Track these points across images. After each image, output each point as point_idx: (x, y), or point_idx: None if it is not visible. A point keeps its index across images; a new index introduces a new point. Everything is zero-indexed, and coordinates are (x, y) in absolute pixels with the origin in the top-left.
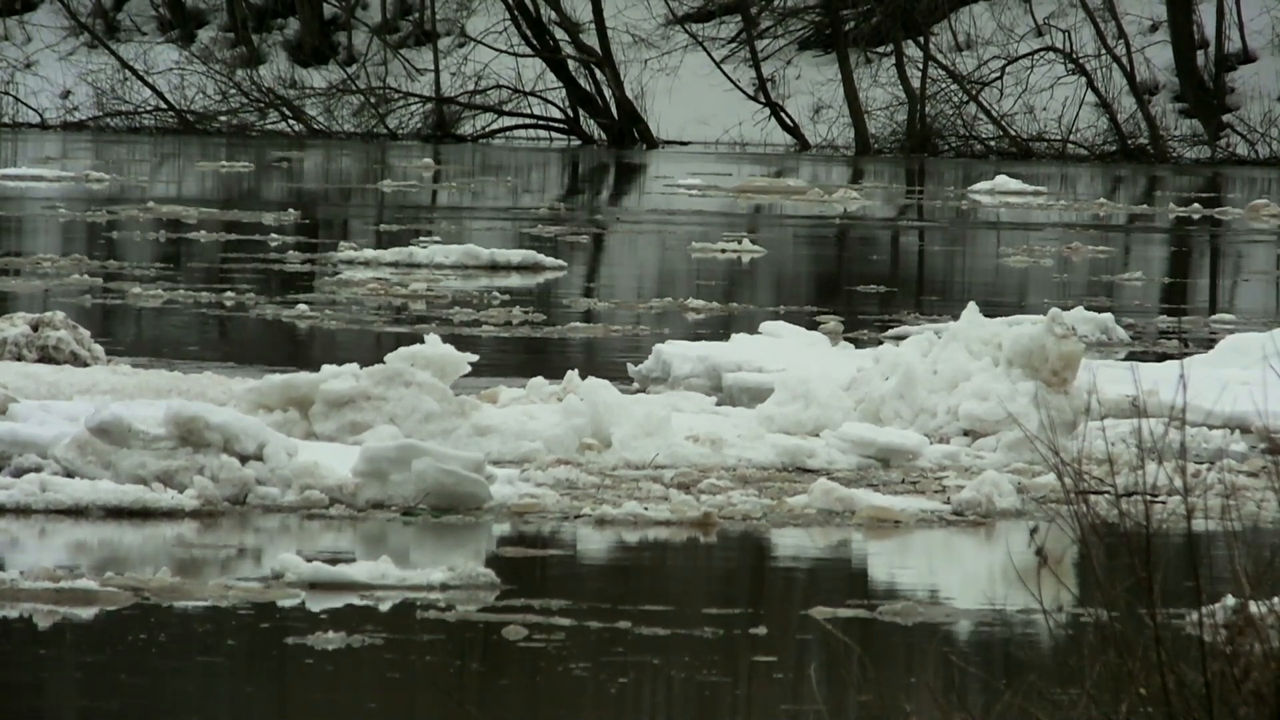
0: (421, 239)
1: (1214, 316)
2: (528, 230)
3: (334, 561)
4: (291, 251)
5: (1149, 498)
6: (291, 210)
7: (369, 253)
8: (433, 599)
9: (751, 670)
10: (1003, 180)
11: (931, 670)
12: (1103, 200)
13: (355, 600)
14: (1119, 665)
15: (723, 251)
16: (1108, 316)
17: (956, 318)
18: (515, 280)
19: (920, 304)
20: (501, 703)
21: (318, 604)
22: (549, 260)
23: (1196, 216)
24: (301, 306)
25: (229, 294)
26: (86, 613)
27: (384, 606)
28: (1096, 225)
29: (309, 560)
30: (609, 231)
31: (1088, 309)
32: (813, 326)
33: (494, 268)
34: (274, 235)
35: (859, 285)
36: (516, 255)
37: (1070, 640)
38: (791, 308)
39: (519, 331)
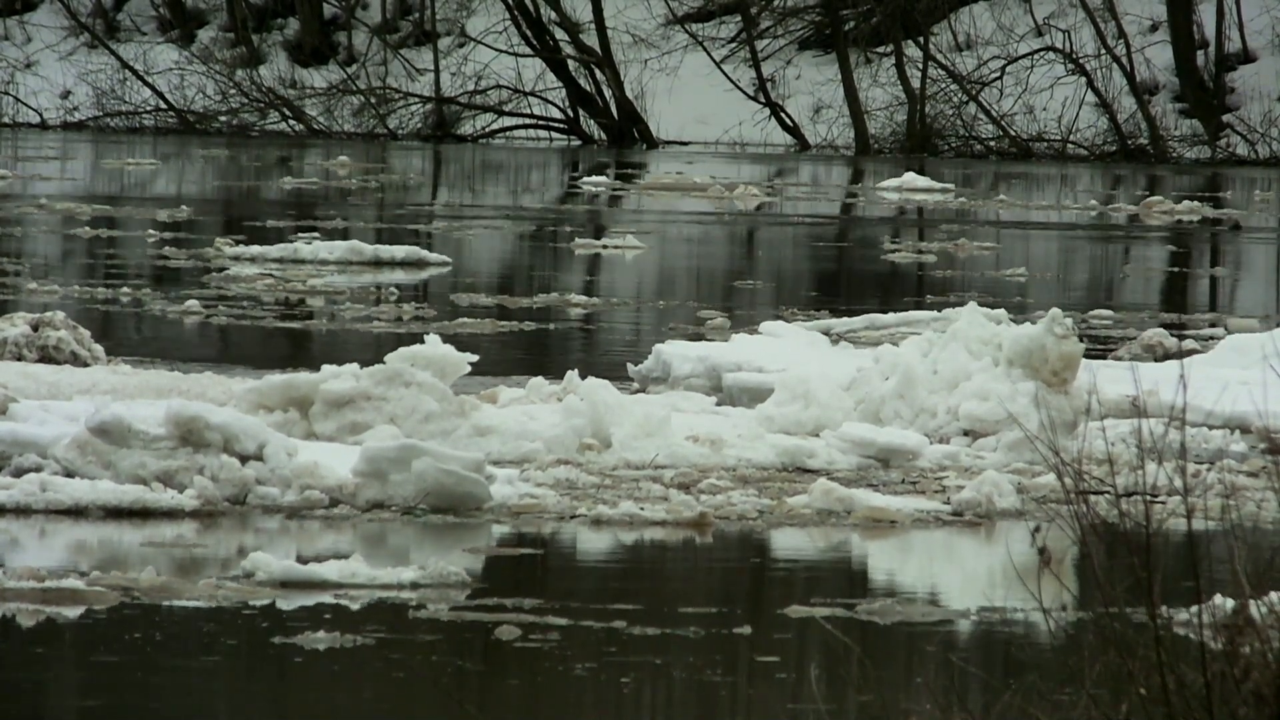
0: (303, 236)
1: (1092, 312)
2: (418, 226)
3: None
4: (168, 248)
5: (1149, 498)
6: (184, 206)
7: (255, 249)
8: (404, 598)
9: (736, 669)
10: (910, 177)
11: (913, 670)
12: (1003, 198)
13: (345, 600)
14: (1119, 665)
15: (604, 248)
16: (1000, 313)
17: (845, 313)
18: (400, 275)
19: (798, 300)
20: (497, 702)
21: (310, 603)
22: (433, 256)
23: (1111, 215)
24: (192, 302)
25: (125, 290)
26: (72, 612)
27: (356, 605)
28: (993, 223)
29: (304, 560)
30: (499, 228)
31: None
32: (699, 322)
33: (378, 264)
34: (152, 232)
35: (736, 281)
36: (400, 251)
37: (1070, 640)
38: (673, 302)
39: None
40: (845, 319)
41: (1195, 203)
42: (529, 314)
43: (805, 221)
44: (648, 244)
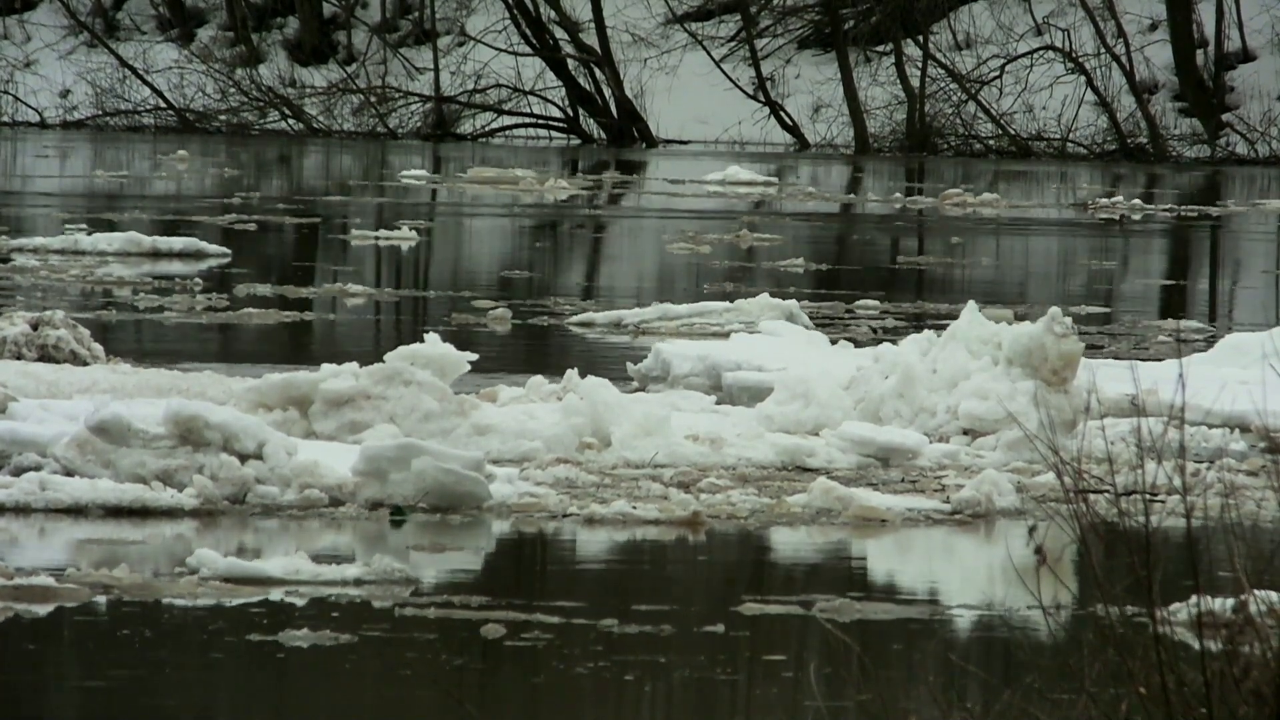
0: (73, 226)
1: (859, 302)
2: (205, 219)
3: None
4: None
5: (1148, 497)
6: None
7: (38, 240)
8: (350, 594)
9: (688, 666)
10: (734, 170)
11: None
12: (810, 189)
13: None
14: (1118, 664)
15: (378, 239)
16: (792, 303)
17: (619, 306)
18: (179, 266)
19: (569, 290)
20: (490, 701)
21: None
22: (212, 248)
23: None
24: None
25: None
26: (43, 609)
27: (301, 601)
28: (815, 215)
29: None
30: (279, 220)
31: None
32: (480, 312)
33: (156, 255)
34: None
35: (514, 271)
36: (179, 243)
37: (1070, 639)
38: (449, 293)
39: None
40: (637, 310)
41: (991, 194)
42: (309, 304)
43: (603, 214)
44: (429, 236)
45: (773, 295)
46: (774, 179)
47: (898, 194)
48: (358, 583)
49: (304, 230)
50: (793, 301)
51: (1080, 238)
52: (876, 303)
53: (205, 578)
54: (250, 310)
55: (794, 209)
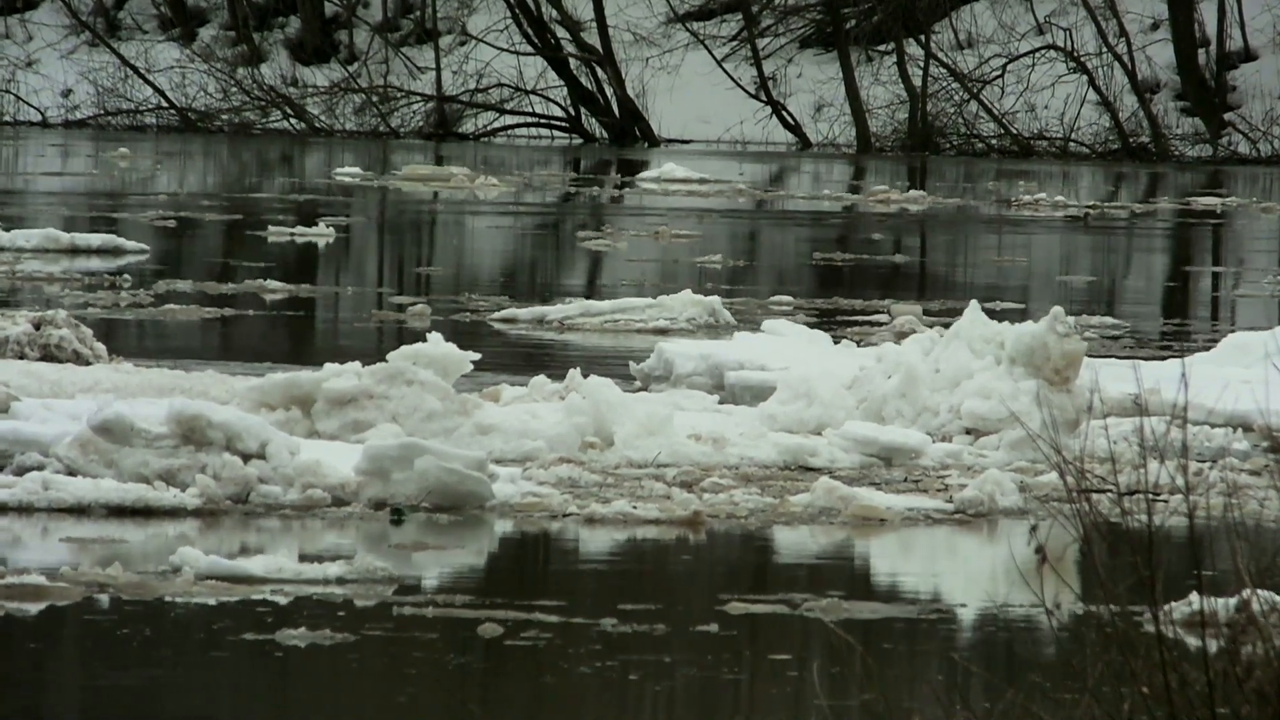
0: None
1: (772, 299)
2: (126, 215)
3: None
4: None
5: (1151, 496)
6: None
7: None
8: (332, 593)
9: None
10: (670, 168)
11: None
12: (741, 186)
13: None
14: (1122, 664)
15: (293, 236)
16: (714, 299)
17: (537, 301)
18: (96, 263)
19: (478, 287)
20: (487, 701)
21: (282, 600)
22: (129, 244)
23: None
24: None
25: None
26: (34, 608)
27: (283, 600)
28: (731, 211)
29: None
30: (199, 216)
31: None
32: (399, 309)
33: (74, 251)
34: None
35: (431, 268)
36: (96, 239)
37: (1073, 639)
38: (360, 288)
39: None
40: (560, 305)
41: (917, 191)
42: (229, 301)
43: (525, 212)
44: (348, 233)
45: (694, 292)
46: (706, 176)
47: (827, 190)
48: (340, 581)
49: (223, 227)
50: (715, 298)
51: (1007, 234)
52: (790, 298)
53: (188, 577)
54: (172, 306)
55: (723, 206)
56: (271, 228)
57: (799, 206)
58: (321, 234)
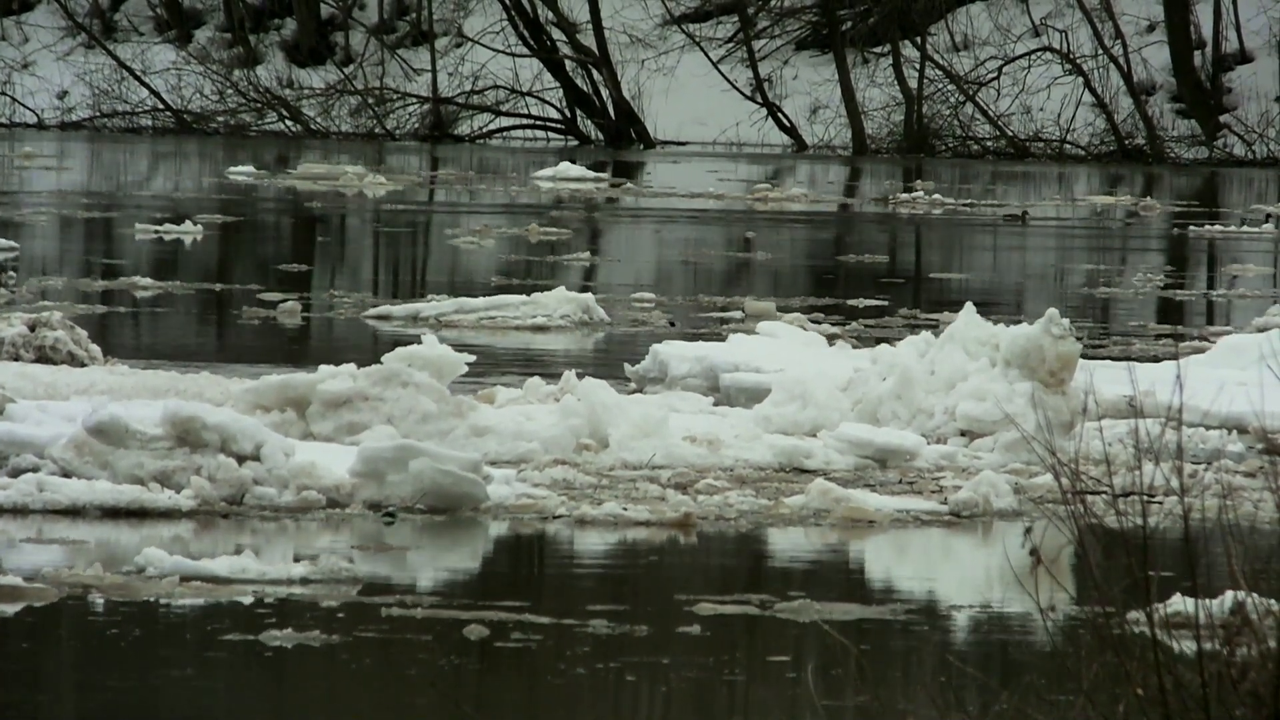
0: None
1: (634, 295)
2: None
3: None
4: None
5: (1146, 498)
6: None
7: None
8: (296, 593)
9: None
10: (565, 166)
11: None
12: (628, 185)
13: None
14: (1116, 666)
15: (156, 234)
16: (588, 296)
17: (411, 299)
18: None
19: (345, 283)
20: (472, 701)
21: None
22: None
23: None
24: None
25: None
26: (11, 609)
27: (245, 599)
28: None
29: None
30: (71, 214)
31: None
32: (271, 305)
33: None
34: None
35: (298, 265)
36: None
37: (1068, 640)
38: (233, 286)
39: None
40: (434, 302)
41: (799, 189)
42: (100, 298)
43: (404, 209)
44: (221, 231)
45: (568, 289)
46: (603, 175)
47: (711, 188)
48: (304, 581)
49: (93, 224)
50: (589, 295)
51: (879, 232)
52: (651, 295)
53: (151, 577)
54: (46, 303)
55: (603, 203)
56: (138, 225)
57: (679, 204)
58: (188, 231)
